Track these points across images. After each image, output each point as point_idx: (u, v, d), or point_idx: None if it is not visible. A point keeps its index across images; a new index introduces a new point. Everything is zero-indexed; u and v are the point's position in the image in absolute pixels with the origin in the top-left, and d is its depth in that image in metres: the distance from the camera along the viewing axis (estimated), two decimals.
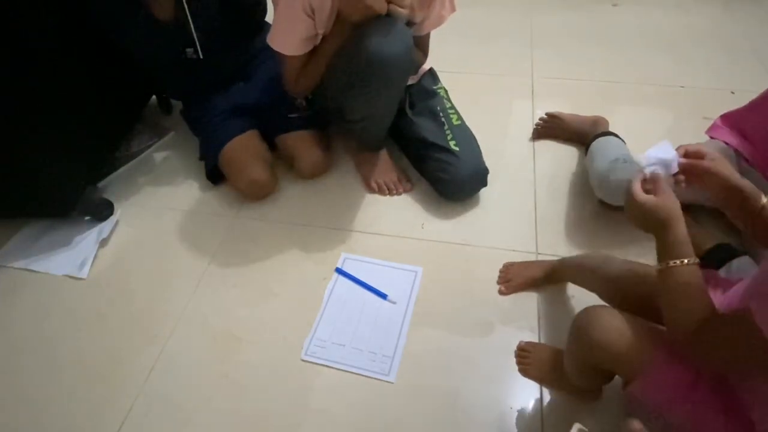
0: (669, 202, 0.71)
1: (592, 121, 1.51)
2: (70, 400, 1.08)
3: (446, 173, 1.33)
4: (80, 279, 1.29)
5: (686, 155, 0.78)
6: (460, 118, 1.43)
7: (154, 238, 1.39)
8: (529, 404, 1.02)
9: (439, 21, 1.32)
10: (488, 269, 1.24)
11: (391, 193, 1.43)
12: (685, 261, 0.69)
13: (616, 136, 1.39)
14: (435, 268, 1.26)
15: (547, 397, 1.02)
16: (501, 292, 1.19)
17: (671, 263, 0.69)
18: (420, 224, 1.36)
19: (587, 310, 0.83)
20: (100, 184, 1.51)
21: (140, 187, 1.53)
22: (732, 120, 1.17)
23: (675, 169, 0.76)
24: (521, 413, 1.01)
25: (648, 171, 0.75)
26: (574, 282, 1.13)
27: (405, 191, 1.44)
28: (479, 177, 1.36)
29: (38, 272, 1.32)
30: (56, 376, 1.12)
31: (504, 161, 1.51)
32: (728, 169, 0.77)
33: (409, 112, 1.43)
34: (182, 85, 1.54)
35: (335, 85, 1.28)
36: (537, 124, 1.60)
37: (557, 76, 1.86)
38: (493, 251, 1.28)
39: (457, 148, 1.34)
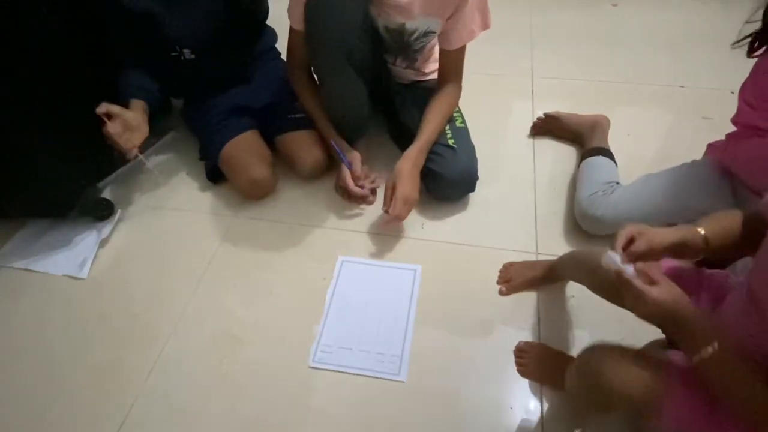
0: (668, 290, 0.67)
1: (591, 122, 1.51)
2: (70, 400, 1.08)
3: (439, 166, 1.31)
4: (80, 279, 1.29)
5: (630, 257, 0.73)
6: (464, 122, 1.42)
7: (154, 238, 1.39)
8: (529, 404, 1.02)
9: (470, 36, 1.26)
10: (488, 269, 1.24)
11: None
12: (713, 347, 0.65)
13: (609, 154, 1.38)
14: (435, 268, 1.26)
15: (547, 397, 1.02)
16: (501, 293, 1.20)
17: (704, 354, 0.66)
18: (420, 224, 1.36)
19: (593, 355, 0.79)
20: (100, 184, 1.51)
21: (140, 187, 1.53)
22: (719, 147, 1.16)
23: (632, 272, 0.71)
24: (521, 413, 1.01)
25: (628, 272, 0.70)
26: (571, 278, 1.12)
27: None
28: (469, 179, 1.35)
29: (38, 272, 1.32)
30: (56, 376, 1.12)
31: (504, 161, 1.51)
32: (658, 233, 0.73)
33: (413, 108, 1.42)
34: (181, 85, 1.53)
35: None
36: (535, 122, 1.60)
37: (557, 76, 1.86)
38: (493, 251, 1.28)
39: (454, 146, 1.33)
